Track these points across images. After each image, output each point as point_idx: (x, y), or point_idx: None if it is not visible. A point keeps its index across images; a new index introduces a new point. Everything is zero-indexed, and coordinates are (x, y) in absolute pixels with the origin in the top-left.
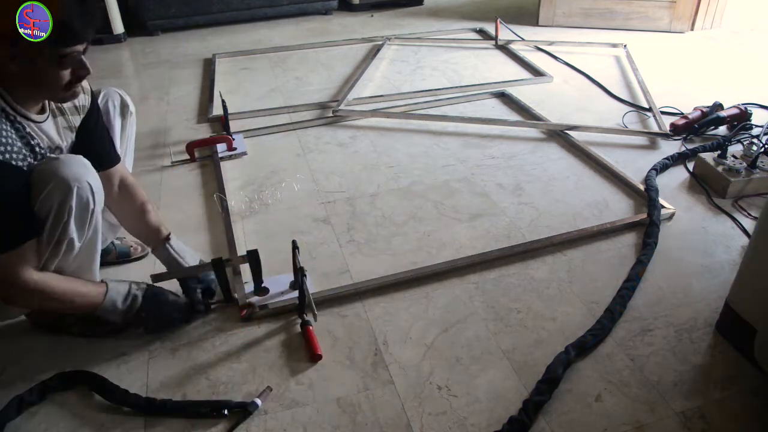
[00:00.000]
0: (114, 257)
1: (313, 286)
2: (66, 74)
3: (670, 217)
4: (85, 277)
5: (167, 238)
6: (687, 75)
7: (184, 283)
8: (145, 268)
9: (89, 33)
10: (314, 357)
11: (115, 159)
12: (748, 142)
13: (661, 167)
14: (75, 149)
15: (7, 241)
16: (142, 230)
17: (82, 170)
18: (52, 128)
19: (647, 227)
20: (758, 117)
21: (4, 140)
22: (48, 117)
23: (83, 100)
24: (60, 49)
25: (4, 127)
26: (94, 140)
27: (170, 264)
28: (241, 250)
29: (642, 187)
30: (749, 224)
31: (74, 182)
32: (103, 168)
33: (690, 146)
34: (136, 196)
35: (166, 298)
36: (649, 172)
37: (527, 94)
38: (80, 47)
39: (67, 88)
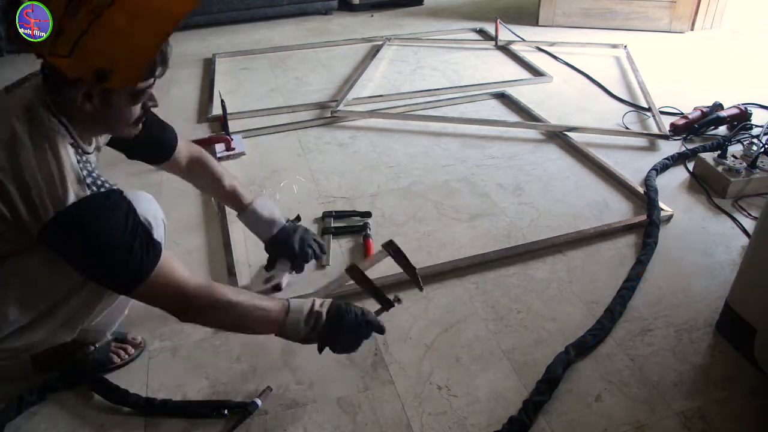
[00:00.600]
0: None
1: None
2: (137, 109)
3: (669, 219)
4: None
5: (246, 207)
6: (687, 75)
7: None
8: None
9: (167, 65)
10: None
11: (174, 140)
12: (748, 142)
13: (662, 167)
14: (135, 150)
15: (152, 251)
16: (222, 200)
17: (155, 207)
18: (95, 161)
19: (647, 227)
20: (758, 117)
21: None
22: (94, 149)
23: None
24: (138, 85)
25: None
26: (148, 132)
27: (253, 227)
28: (241, 250)
29: (641, 189)
30: (749, 224)
31: (158, 218)
32: (169, 154)
33: (690, 146)
34: (207, 169)
35: (351, 315)
36: (649, 172)
37: (527, 94)
38: (152, 80)
39: (136, 123)
